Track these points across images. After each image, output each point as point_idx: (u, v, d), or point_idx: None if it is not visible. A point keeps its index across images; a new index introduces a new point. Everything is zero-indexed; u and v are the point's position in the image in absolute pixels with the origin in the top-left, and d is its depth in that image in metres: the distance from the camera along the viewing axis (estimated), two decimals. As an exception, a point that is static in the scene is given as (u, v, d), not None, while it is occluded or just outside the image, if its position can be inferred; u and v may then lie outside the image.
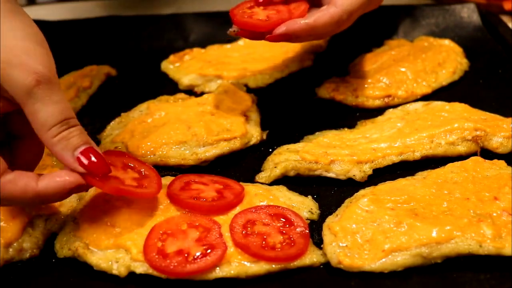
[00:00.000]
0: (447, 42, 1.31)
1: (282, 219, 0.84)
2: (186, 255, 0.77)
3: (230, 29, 0.99)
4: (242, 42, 1.36)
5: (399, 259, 0.78)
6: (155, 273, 0.78)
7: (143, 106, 1.15)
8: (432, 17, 1.44)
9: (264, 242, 0.80)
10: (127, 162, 0.87)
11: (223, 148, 1.01)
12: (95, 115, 1.19)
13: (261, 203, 0.88)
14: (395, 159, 0.98)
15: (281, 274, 0.79)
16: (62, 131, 0.76)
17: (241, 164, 1.02)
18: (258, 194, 0.90)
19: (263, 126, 1.10)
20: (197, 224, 0.82)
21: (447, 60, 1.25)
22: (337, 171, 0.95)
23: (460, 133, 0.99)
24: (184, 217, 0.84)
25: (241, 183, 0.92)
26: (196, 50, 1.36)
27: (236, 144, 1.02)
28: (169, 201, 0.87)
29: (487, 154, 0.98)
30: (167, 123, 1.06)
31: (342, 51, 1.36)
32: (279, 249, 0.79)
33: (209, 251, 0.78)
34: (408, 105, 1.12)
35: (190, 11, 1.53)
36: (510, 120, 1.02)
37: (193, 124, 1.05)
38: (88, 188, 0.80)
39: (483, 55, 1.31)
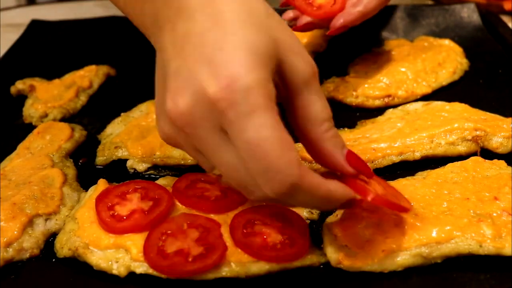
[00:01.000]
0: (447, 42, 1.31)
1: (282, 219, 0.84)
2: (186, 255, 0.77)
3: (285, 19, 1.08)
4: (242, 42, 1.36)
5: (399, 259, 0.78)
6: (155, 273, 0.78)
7: (143, 106, 1.15)
8: (432, 17, 1.44)
9: (264, 242, 0.79)
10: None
11: (223, 148, 1.01)
12: (95, 115, 1.19)
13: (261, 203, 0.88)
14: (395, 159, 0.98)
15: (281, 274, 0.79)
16: (332, 127, 0.72)
17: (241, 164, 1.02)
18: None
19: (263, 126, 1.09)
20: (197, 224, 0.82)
21: (447, 60, 1.25)
22: (337, 171, 0.95)
23: (460, 133, 0.99)
24: (184, 217, 0.83)
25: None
26: (196, 50, 1.35)
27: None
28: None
29: (487, 154, 0.98)
30: (167, 123, 1.06)
31: (342, 51, 1.36)
32: (279, 249, 0.79)
33: (209, 251, 0.78)
34: (408, 105, 1.12)
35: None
36: (510, 120, 1.02)
37: (193, 124, 1.04)
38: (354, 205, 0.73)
39: (483, 55, 1.31)
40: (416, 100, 1.15)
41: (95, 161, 1.05)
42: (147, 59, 1.39)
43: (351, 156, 0.73)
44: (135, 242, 0.80)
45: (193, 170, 0.99)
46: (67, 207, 0.90)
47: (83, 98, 1.24)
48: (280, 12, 1.03)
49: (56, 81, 1.27)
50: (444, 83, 1.21)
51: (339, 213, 0.86)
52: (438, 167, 0.93)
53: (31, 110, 1.18)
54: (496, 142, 0.99)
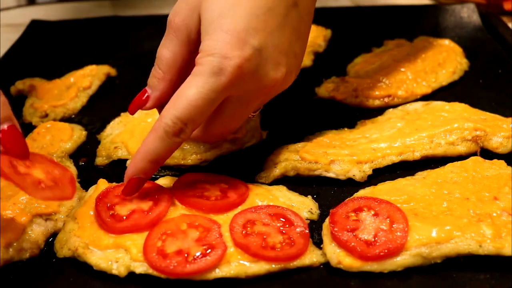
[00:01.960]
0: (447, 42, 1.31)
1: (282, 219, 0.84)
2: (186, 255, 0.77)
3: None
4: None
5: (399, 259, 0.78)
6: (155, 273, 0.78)
7: (143, 106, 1.14)
8: (432, 17, 1.45)
9: (264, 242, 0.80)
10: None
11: (223, 148, 1.01)
12: (95, 115, 1.19)
13: (261, 203, 0.88)
14: (395, 159, 0.97)
15: (281, 274, 0.79)
16: None
17: (241, 164, 1.02)
18: (258, 194, 0.90)
19: (263, 126, 1.10)
20: (196, 224, 0.82)
21: (447, 60, 1.25)
22: (337, 171, 0.95)
23: (460, 133, 0.99)
24: (184, 217, 0.84)
25: (241, 183, 0.92)
26: (196, 50, 1.36)
27: (236, 144, 1.02)
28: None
29: (487, 154, 0.98)
30: (167, 123, 1.06)
31: (342, 51, 1.36)
32: (279, 249, 0.79)
33: (209, 251, 0.78)
34: (408, 105, 1.12)
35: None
36: (510, 120, 1.02)
37: (193, 124, 1.04)
38: None
39: (483, 55, 1.31)
40: (416, 100, 1.15)
41: (95, 161, 1.05)
42: (147, 59, 1.40)
43: (3, 135, 0.74)
44: (135, 242, 0.80)
45: (193, 170, 0.99)
46: (67, 207, 0.90)
47: (83, 98, 1.24)
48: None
49: (56, 81, 1.27)
50: (444, 83, 1.21)
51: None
52: (438, 167, 0.94)
53: (31, 110, 1.18)
54: (496, 142, 0.99)
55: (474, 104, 1.08)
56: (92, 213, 0.85)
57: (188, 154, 1.00)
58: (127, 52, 1.42)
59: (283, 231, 0.82)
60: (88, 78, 1.28)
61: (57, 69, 1.33)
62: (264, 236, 0.81)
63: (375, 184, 0.91)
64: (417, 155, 0.98)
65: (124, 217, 0.83)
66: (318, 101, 1.19)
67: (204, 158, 1.00)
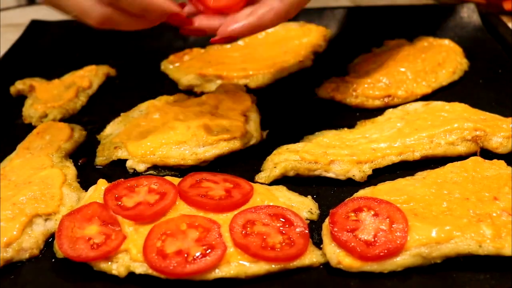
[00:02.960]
0: (447, 42, 1.31)
1: (281, 219, 0.84)
2: (185, 255, 0.77)
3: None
4: (242, 42, 1.36)
5: (399, 259, 0.78)
6: (154, 273, 0.78)
7: (143, 106, 1.15)
8: (432, 17, 1.44)
9: (263, 242, 0.79)
10: None
11: (223, 148, 1.01)
12: (95, 115, 1.19)
13: (261, 203, 0.88)
14: (395, 159, 0.97)
15: (281, 274, 0.79)
16: None
17: (241, 164, 1.02)
18: (260, 194, 0.90)
19: (263, 126, 1.10)
20: (196, 224, 0.82)
21: (447, 60, 1.25)
22: (337, 171, 0.95)
23: (460, 133, 0.99)
24: (184, 217, 0.84)
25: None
26: (196, 50, 1.36)
27: (236, 144, 1.02)
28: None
29: (487, 154, 0.98)
30: (167, 123, 1.06)
31: (342, 51, 1.36)
32: (278, 249, 0.79)
33: (208, 251, 0.78)
34: (408, 105, 1.12)
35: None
36: (510, 120, 1.02)
37: (193, 124, 1.05)
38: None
39: (483, 55, 1.31)
40: (416, 100, 1.15)
41: (95, 161, 1.05)
42: (147, 59, 1.40)
43: None
44: (135, 242, 0.81)
45: (193, 170, 0.99)
46: (67, 207, 0.90)
47: (83, 98, 1.24)
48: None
49: (56, 81, 1.27)
50: (444, 83, 1.21)
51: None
52: (438, 167, 0.94)
53: (31, 110, 1.18)
54: (496, 142, 0.99)
55: (474, 104, 1.08)
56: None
57: (188, 154, 1.00)
58: (127, 52, 1.42)
59: (283, 231, 0.82)
60: (88, 78, 1.28)
61: (57, 69, 1.33)
62: (264, 236, 0.80)
63: (375, 184, 0.91)
64: (417, 155, 0.98)
65: (130, 208, 0.85)
66: (318, 101, 1.19)
67: (204, 158, 1.00)
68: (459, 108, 1.07)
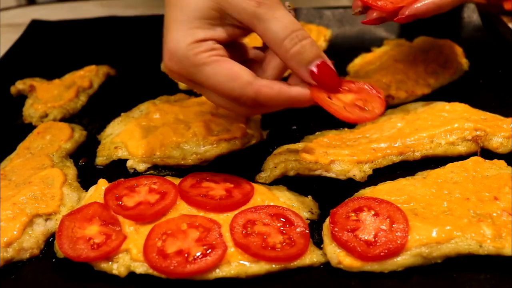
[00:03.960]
0: (447, 42, 1.31)
1: (282, 219, 0.84)
2: (186, 255, 0.77)
3: (355, 10, 1.01)
4: (242, 42, 1.36)
5: (399, 259, 0.78)
6: (155, 273, 0.78)
7: (143, 106, 1.15)
8: (432, 17, 1.44)
9: (264, 242, 0.79)
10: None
11: (223, 148, 1.01)
12: (95, 115, 1.19)
13: (262, 203, 0.88)
14: (395, 159, 0.98)
15: (281, 274, 0.79)
16: (294, 45, 0.81)
17: (241, 164, 1.02)
18: (260, 194, 0.90)
19: (263, 126, 1.10)
20: (197, 224, 0.82)
21: (447, 60, 1.25)
22: (337, 171, 0.95)
23: (460, 133, 0.99)
24: (184, 217, 0.84)
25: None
26: (196, 50, 1.35)
27: (236, 144, 1.02)
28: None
29: (487, 154, 0.98)
30: (167, 123, 1.06)
31: (342, 51, 1.36)
32: (279, 249, 0.79)
33: (209, 251, 0.78)
34: (408, 105, 1.12)
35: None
36: (510, 120, 1.02)
37: (193, 124, 1.05)
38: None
39: (483, 55, 1.31)
40: (416, 100, 1.15)
41: (95, 161, 1.05)
42: (147, 59, 1.40)
43: (315, 73, 0.82)
44: (136, 242, 0.81)
45: (193, 170, 0.99)
46: (67, 207, 0.90)
47: (83, 98, 1.24)
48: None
49: (56, 81, 1.27)
50: (444, 83, 1.21)
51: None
52: (438, 167, 0.94)
53: (31, 110, 1.18)
54: (496, 142, 0.99)
55: (474, 104, 1.08)
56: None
57: (188, 154, 1.00)
58: (127, 52, 1.42)
59: (283, 231, 0.82)
60: (88, 78, 1.28)
61: (57, 69, 1.33)
62: (264, 236, 0.80)
63: (375, 184, 0.91)
64: (417, 155, 0.98)
65: (130, 207, 0.85)
66: (318, 101, 1.19)
67: (204, 158, 1.00)
68: (459, 108, 1.07)
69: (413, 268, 0.78)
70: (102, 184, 0.91)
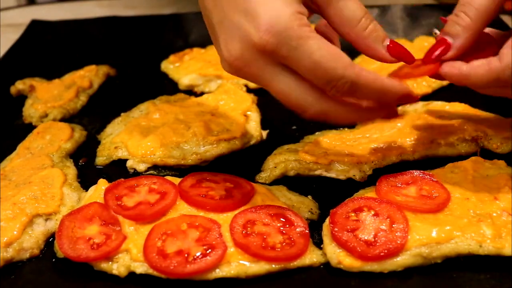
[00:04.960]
0: (447, 42, 1.30)
1: (282, 219, 0.84)
2: (186, 255, 0.77)
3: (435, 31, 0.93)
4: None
5: (399, 259, 0.78)
6: (155, 273, 0.78)
7: (143, 106, 1.15)
8: (432, 17, 1.44)
9: (264, 242, 0.80)
10: None
11: (223, 148, 1.01)
12: (95, 115, 1.19)
13: (262, 203, 0.88)
14: (395, 159, 0.97)
15: (281, 274, 0.79)
16: (369, 23, 0.79)
17: (241, 164, 1.02)
18: (260, 194, 0.89)
19: (263, 126, 1.10)
20: (197, 224, 0.82)
21: (447, 60, 1.24)
22: (337, 171, 0.95)
23: (460, 133, 0.99)
24: (184, 217, 0.84)
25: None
26: (196, 50, 1.36)
27: (236, 144, 1.02)
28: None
29: (487, 154, 0.98)
30: (167, 123, 1.06)
31: (342, 51, 1.36)
32: (279, 249, 0.79)
33: (209, 251, 0.78)
34: (408, 105, 1.12)
35: (190, 11, 1.53)
36: (510, 120, 1.02)
37: (193, 124, 1.05)
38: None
39: (483, 55, 1.30)
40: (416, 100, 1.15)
41: (95, 161, 1.05)
42: (147, 59, 1.40)
43: (392, 47, 0.80)
44: (136, 242, 0.81)
45: (193, 170, 0.99)
46: (67, 207, 0.90)
47: (83, 98, 1.24)
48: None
49: (56, 81, 1.27)
50: (444, 83, 1.21)
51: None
52: (438, 167, 0.93)
53: (31, 110, 1.18)
54: (496, 142, 0.99)
55: (474, 104, 1.08)
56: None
57: (188, 154, 1.00)
58: (127, 52, 1.42)
59: (283, 231, 0.82)
60: (88, 78, 1.28)
61: (57, 69, 1.33)
62: (264, 236, 0.81)
63: (375, 184, 0.91)
64: (417, 155, 0.98)
65: (130, 208, 0.85)
66: (318, 101, 1.19)
67: (204, 158, 1.00)
68: (459, 108, 1.07)
69: (413, 268, 0.78)
70: (102, 184, 0.91)
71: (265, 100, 1.17)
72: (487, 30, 0.89)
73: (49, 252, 0.85)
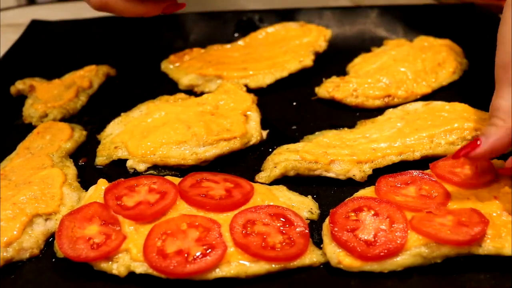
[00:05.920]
0: (447, 42, 1.31)
1: (282, 219, 0.84)
2: (186, 255, 0.77)
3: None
4: (242, 42, 1.36)
5: (399, 259, 0.78)
6: (155, 273, 0.78)
7: (143, 106, 1.15)
8: (432, 17, 1.44)
9: (264, 242, 0.79)
10: None
11: (223, 148, 1.01)
12: (95, 115, 1.19)
13: (262, 203, 0.88)
14: (395, 159, 0.97)
15: (281, 274, 0.79)
16: None
17: (241, 164, 1.02)
18: (260, 194, 0.90)
19: (263, 126, 1.10)
20: (197, 224, 0.82)
21: (447, 60, 1.24)
22: (337, 171, 0.95)
23: (460, 133, 0.99)
24: (184, 217, 0.84)
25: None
26: (196, 50, 1.36)
27: (236, 144, 1.02)
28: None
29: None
30: (167, 123, 1.06)
31: (342, 51, 1.36)
32: (279, 249, 0.79)
33: (209, 251, 0.78)
34: (408, 105, 1.12)
35: (190, 11, 1.53)
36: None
37: (193, 124, 1.05)
38: None
39: (483, 55, 1.31)
40: (416, 100, 1.15)
41: (95, 161, 1.05)
42: (147, 59, 1.40)
43: None
44: (135, 242, 0.81)
45: (193, 170, 0.99)
46: (67, 207, 0.90)
47: (83, 98, 1.24)
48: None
49: (56, 81, 1.27)
50: (444, 83, 1.21)
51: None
52: (438, 167, 0.93)
53: (31, 110, 1.18)
54: (496, 142, 0.99)
55: (474, 104, 1.08)
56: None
57: (188, 154, 1.00)
58: (127, 52, 1.42)
59: (283, 231, 0.82)
60: (88, 78, 1.28)
61: (57, 69, 1.33)
62: (264, 236, 0.80)
63: (375, 184, 0.91)
64: (417, 155, 0.98)
65: (130, 207, 0.85)
66: (318, 101, 1.19)
67: (204, 158, 1.00)
68: (459, 108, 1.07)
69: (413, 268, 0.78)
70: (102, 184, 0.91)
71: (265, 100, 1.18)
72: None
73: (49, 252, 0.85)
